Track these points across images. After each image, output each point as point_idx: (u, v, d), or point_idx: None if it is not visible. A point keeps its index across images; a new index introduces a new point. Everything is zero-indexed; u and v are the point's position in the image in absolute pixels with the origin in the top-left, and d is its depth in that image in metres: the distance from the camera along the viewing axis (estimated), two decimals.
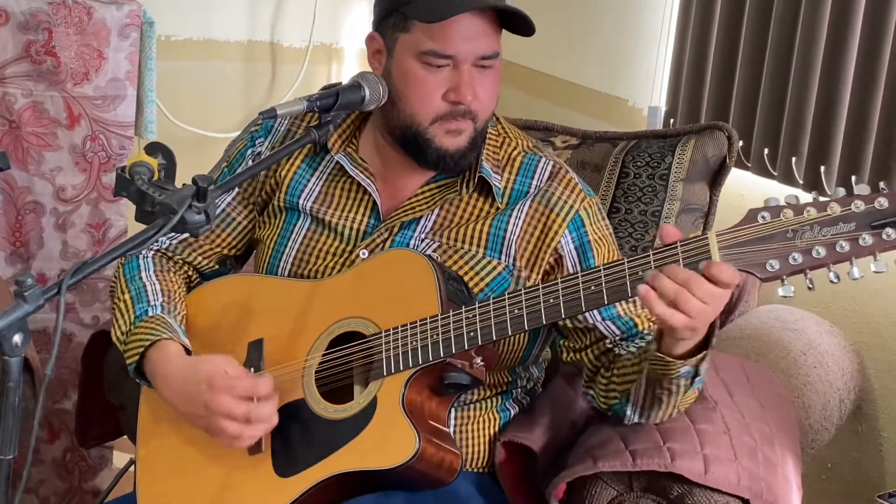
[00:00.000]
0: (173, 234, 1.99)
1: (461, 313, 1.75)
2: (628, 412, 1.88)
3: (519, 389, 2.04)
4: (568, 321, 1.90)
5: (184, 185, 1.58)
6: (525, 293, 1.73)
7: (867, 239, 1.52)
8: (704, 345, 1.72)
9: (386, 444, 1.73)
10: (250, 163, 2.04)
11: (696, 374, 1.75)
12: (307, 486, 1.75)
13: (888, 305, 2.48)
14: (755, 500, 1.83)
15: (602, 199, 2.33)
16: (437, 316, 1.76)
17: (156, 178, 1.62)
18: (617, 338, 1.90)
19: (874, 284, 2.48)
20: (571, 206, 1.93)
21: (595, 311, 1.88)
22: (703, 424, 1.90)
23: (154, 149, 1.66)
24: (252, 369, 1.86)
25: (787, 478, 1.95)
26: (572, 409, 2.06)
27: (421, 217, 1.95)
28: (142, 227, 1.55)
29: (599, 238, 1.95)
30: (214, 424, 1.76)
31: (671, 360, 1.72)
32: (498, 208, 1.94)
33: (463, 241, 1.93)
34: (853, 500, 2.45)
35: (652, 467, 1.82)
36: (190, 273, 2.06)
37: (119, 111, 2.78)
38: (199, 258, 2.05)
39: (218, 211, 2.04)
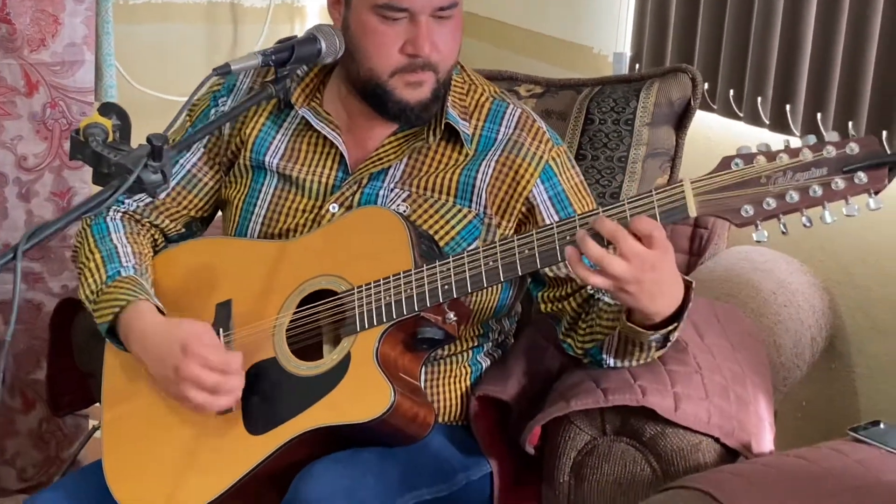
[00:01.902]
0: (140, 196, 2.00)
1: (435, 267, 1.76)
2: (603, 356, 1.90)
3: (490, 343, 2.05)
4: (548, 270, 1.91)
5: (140, 145, 1.58)
6: (500, 245, 1.73)
7: (839, 183, 1.55)
8: (678, 315, 1.74)
9: (360, 398, 1.74)
10: None
11: (668, 340, 1.79)
12: (280, 442, 1.75)
13: (857, 242, 2.49)
14: (726, 439, 1.86)
15: (568, 147, 2.32)
16: (410, 270, 1.77)
17: (111, 139, 1.61)
18: None
19: (843, 222, 2.49)
20: (541, 157, 1.94)
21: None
22: (673, 365, 1.92)
23: (108, 109, 1.65)
24: (220, 330, 1.87)
25: (759, 415, 1.97)
26: (545, 358, 2.08)
27: (389, 167, 1.94)
28: None
29: (574, 186, 1.96)
30: (181, 389, 1.77)
31: (641, 330, 1.76)
32: (467, 154, 1.94)
33: (432, 190, 1.93)
34: (828, 437, 2.47)
35: (624, 402, 1.84)
36: (156, 236, 2.05)
37: (78, 77, 2.76)
38: (167, 221, 2.04)
39: (184, 172, 2.04)
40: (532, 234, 1.71)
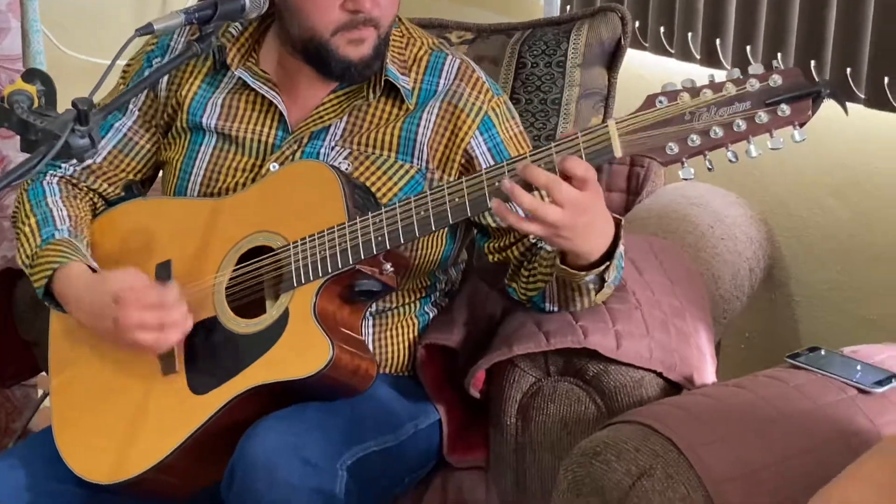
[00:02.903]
0: (77, 161, 1.98)
1: (368, 219, 1.76)
2: (546, 304, 1.92)
3: (438, 293, 2.06)
4: (490, 221, 1.92)
5: (66, 110, 1.57)
6: (431, 194, 1.74)
7: (763, 116, 1.55)
8: (610, 254, 1.76)
9: (300, 353, 1.75)
10: None
11: (605, 280, 1.80)
12: (224, 401, 1.76)
13: (790, 173, 2.52)
14: (668, 373, 1.88)
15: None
16: (344, 224, 1.77)
17: (36, 105, 1.59)
18: None
19: (776, 154, 2.52)
20: (480, 108, 1.93)
21: (517, 210, 1.91)
22: (614, 303, 1.94)
23: (31, 75, 1.62)
24: None
25: (700, 348, 2.00)
26: (488, 304, 2.10)
27: (330, 125, 1.94)
28: None
29: (513, 136, 1.96)
30: (128, 338, 1.77)
31: (576, 272, 1.77)
32: (408, 109, 1.93)
33: (374, 147, 1.93)
34: (772, 366, 2.52)
35: (566, 345, 1.86)
36: (95, 200, 2.03)
37: (4, 45, 2.72)
38: (105, 185, 2.03)
39: (120, 136, 2.02)
40: (462, 182, 1.71)
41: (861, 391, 1.73)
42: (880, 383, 1.74)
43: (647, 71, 2.77)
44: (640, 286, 2.01)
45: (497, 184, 1.68)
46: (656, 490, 1.53)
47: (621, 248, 1.78)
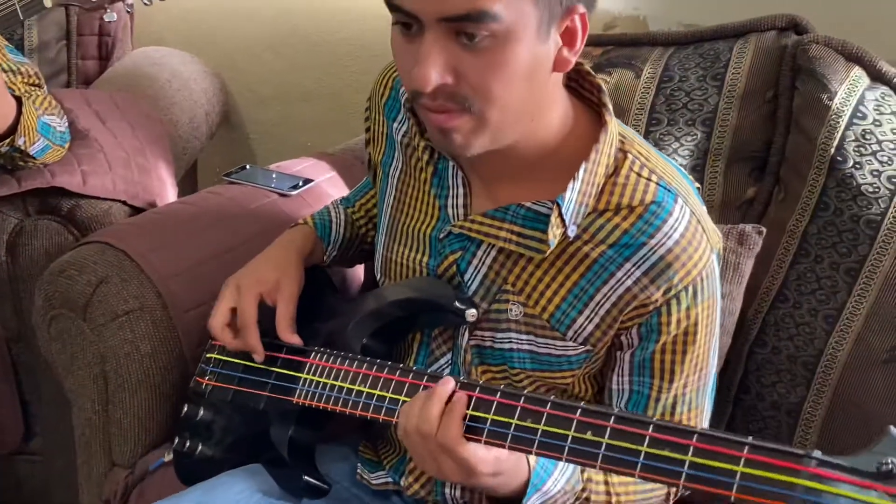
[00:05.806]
0: None
1: None
2: None
3: None
4: None
5: None
6: None
7: None
8: None
9: None
10: None
11: None
12: None
13: (238, 35, 2.51)
14: (133, 201, 1.88)
15: None
16: None
17: None
18: None
19: (228, 19, 2.52)
20: None
21: None
22: (78, 149, 1.89)
23: None
24: None
25: (161, 179, 1.99)
26: None
27: None
28: None
29: None
30: None
31: None
32: None
33: None
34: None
35: (36, 185, 1.79)
36: None
37: None
38: None
39: None
40: None
41: (281, 195, 1.78)
42: (295, 187, 1.79)
43: None
44: (102, 133, 1.96)
45: None
46: (113, 293, 1.51)
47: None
